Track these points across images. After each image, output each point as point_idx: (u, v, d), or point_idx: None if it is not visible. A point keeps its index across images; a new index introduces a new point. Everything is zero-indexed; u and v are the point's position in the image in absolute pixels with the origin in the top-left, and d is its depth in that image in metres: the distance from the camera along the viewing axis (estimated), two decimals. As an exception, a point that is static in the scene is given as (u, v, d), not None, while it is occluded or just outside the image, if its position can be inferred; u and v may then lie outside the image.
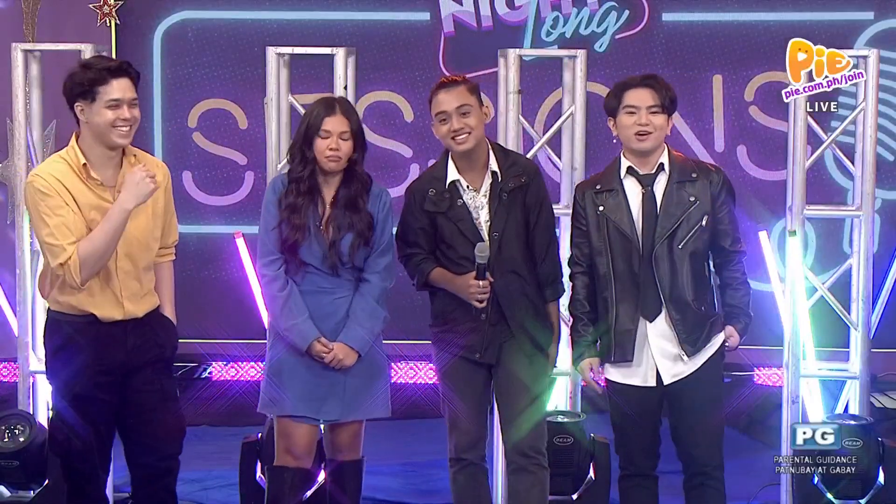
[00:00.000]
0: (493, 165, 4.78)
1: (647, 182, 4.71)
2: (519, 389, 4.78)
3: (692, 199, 4.69)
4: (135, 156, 4.66)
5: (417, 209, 4.80)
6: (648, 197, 4.70)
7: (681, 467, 4.86)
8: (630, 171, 4.73)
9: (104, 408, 4.60)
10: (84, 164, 4.53)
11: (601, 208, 4.73)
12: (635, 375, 4.74)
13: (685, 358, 4.68)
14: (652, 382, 4.71)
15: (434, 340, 4.88)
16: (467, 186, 4.77)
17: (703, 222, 4.70)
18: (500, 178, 4.76)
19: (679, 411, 4.77)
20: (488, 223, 4.75)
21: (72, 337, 4.58)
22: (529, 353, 4.78)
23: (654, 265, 4.67)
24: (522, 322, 4.76)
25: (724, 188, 4.75)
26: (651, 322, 4.69)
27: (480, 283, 4.67)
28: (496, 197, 4.75)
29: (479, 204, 4.77)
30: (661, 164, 4.73)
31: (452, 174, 4.78)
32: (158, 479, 4.76)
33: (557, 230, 5.37)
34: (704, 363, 4.71)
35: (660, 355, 4.70)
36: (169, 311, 4.79)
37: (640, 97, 4.68)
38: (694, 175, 4.72)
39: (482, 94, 4.81)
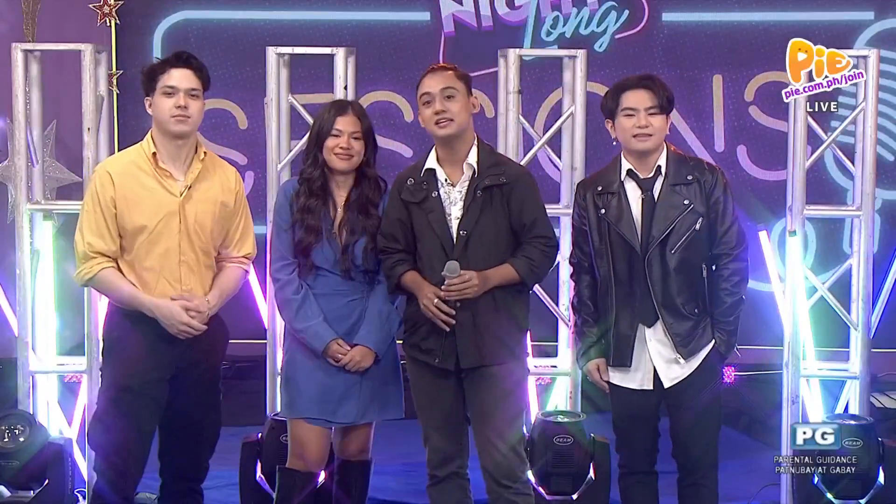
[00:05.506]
0: (472, 159, 4.61)
1: (646, 186, 4.70)
2: (490, 396, 4.58)
3: (686, 202, 4.66)
4: (206, 153, 4.72)
5: (396, 199, 4.69)
6: (648, 201, 4.68)
7: (675, 467, 4.86)
8: (630, 173, 4.71)
9: (150, 405, 4.64)
10: (154, 154, 4.64)
11: (602, 211, 4.71)
12: (633, 380, 4.74)
13: (682, 361, 4.69)
14: (649, 386, 4.72)
15: (404, 350, 4.75)
16: (445, 180, 4.63)
17: (697, 226, 4.67)
18: (475, 174, 4.60)
19: (676, 412, 4.77)
20: (458, 220, 4.58)
21: (130, 329, 4.62)
22: (498, 357, 4.58)
23: (646, 270, 4.66)
24: (489, 325, 4.56)
25: (718, 187, 4.69)
26: (650, 327, 4.69)
27: (441, 308, 4.50)
28: (471, 193, 4.58)
29: (453, 199, 4.61)
30: (660, 167, 4.70)
31: (431, 163, 4.65)
32: (188, 482, 4.86)
33: (557, 230, 5.37)
34: (700, 364, 4.71)
35: (658, 359, 4.71)
36: (213, 296, 4.73)
37: (638, 99, 4.65)
38: (689, 178, 4.68)
39: (475, 89, 4.74)
